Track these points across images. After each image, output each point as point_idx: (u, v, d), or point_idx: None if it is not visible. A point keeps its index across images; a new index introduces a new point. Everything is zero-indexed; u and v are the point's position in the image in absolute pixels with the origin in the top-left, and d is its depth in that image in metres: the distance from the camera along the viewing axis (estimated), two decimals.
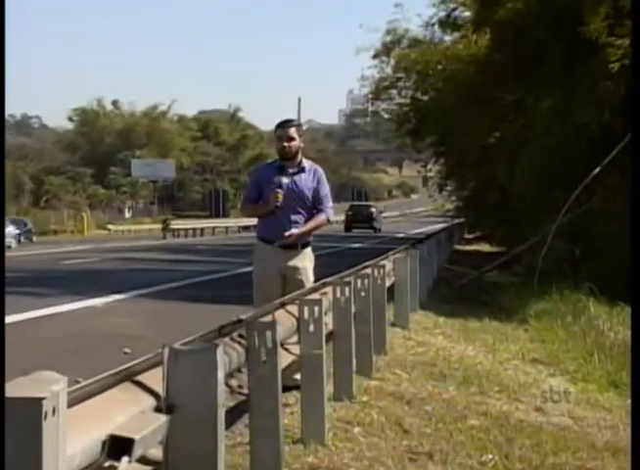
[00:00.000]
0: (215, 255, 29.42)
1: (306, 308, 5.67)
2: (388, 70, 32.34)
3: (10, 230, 39.67)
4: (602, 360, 10.92)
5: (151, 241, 42.74)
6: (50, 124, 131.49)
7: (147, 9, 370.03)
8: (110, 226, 59.36)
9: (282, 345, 5.10)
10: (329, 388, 6.36)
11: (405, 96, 33.21)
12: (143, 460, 3.02)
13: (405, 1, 33.05)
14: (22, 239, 43.37)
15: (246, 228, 56.05)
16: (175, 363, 3.21)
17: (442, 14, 27.59)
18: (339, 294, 6.95)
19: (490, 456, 5.77)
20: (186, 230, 55.18)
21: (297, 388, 6.05)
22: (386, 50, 31.49)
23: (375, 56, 31.90)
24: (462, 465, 5.58)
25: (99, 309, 13.08)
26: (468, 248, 38.13)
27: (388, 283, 10.27)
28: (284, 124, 7.46)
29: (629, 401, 5.97)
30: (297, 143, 7.39)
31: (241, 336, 4.49)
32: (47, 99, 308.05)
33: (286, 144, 7.35)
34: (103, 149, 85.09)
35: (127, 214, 77.70)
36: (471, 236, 43.41)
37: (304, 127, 14.14)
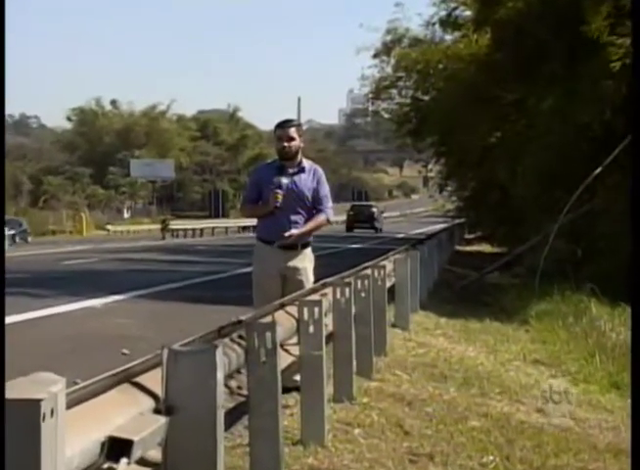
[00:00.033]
0: (215, 255, 29.41)
1: (306, 309, 5.66)
2: (389, 70, 32.30)
3: None
4: (603, 361, 10.90)
5: (150, 241, 42.72)
6: (48, 124, 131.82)
7: (146, 8, 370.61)
8: (109, 227, 59.37)
9: (282, 346, 5.09)
10: (329, 389, 6.34)
11: (406, 96, 33.16)
12: (142, 462, 3.01)
13: (406, 0, 33.00)
14: (18, 240, 43.21)
15: (245, 228, 56.04)
16: (174, 364, 3.19)
17: (443, 13, 27.58)
18: (339, 295, 6.94)
19: (491, 458, 5.76)
20: (185, 231, 55.20)
21: (297, 389, 6.03)
22: (386, 49, 31.43)
23: (375, 55, 31.87)
24: (463, 467, 5.57)
25: (97, 310, 13.06)
26: (469, 248, 38.14)
27: (388, 284, 10.25)
28: (284, 124, 7.44)
29: (629, 401, 5.94)
30: (296, 143, 7.36)
31: (240, 337, 4.48)
32: (45, 99, 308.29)
33: (286, 144, 7.33)
34: (102, 149, 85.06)
35: (126, 215, 77.65)
36: (472, 236, 43.37)
37: (304, 127, 14.11)
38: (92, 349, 9.35)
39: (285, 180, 7.30)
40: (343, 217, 64.25)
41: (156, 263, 24.80)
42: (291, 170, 7.36)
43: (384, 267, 9.68)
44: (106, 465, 2.68)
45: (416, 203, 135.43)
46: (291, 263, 7.32)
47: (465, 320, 13.47)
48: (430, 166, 44.96)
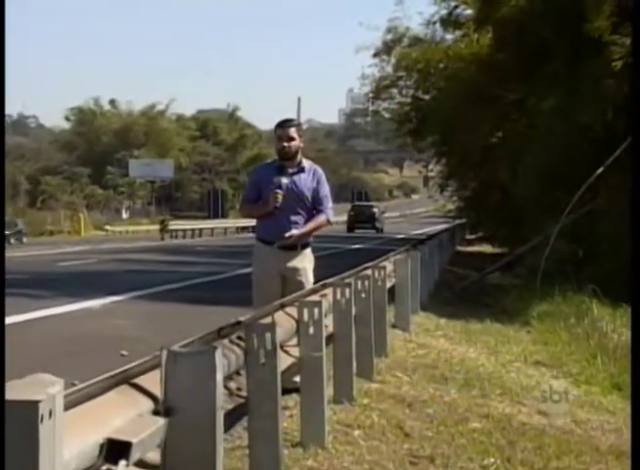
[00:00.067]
0: (214, 256, 29.40)
1: (306, 310, 5.64)
2: (389, 69, 32.26)
3: None
4: (605, 363, 10.89)
5: (148, 242, 42.70)
6: (47, 124, 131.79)
7: (145, 8, 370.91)
8: (107, 227, 59.33)
9: (281, 347, 5.06)
10: (329, 390, 6.32)
11: (406, 95, 33.13)
12: (141, 464, 2.99)
13: None
14: (13, 240, 43.10)
15: (244, 229, 56.04)
16: (173, 366, 3.18)
17: (444, 12, 27.55)
18: (339, 295, 6.92)
19: (492, 460, 5.75)
20: (184, 231, 55.14)
21: (297, 390, 6.01)
22: (386, 48, 31.39)
23: (375, 54, 31.83)
24: (464, 469, 5.55)
25: (96, 311, 13.03)
26: (470, 249, 38.17)
27: (388, 284, 10.22)
28: (284, 124, 7.41)
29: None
30: (296, 143, 7.33)
31: (240, 338, 4.46)
32: (44, 98, 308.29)
33: (286, 144, 7.30)
34: (100, 149, 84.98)
35: (125, 215, 77.53)
36: (472, 237, 43.36)
37: (304, 127, 14.09)
38: (90, 350, 9.32)
39: (285, 180, 7.27)
40: (344, 218, 64.29)
41: (154, 264, 24.77)
42: (290, 170, 7.33)
43: (384, 268, 9.65)
44: (104, 467, 2.67)
45: (416, 203, 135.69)
46: (290, 264, 7.29)
47: (466, 321, 13.45)
48: (430, 166, 45.02)
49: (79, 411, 2.62)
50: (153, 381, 3.19)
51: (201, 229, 57.62)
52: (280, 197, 7.20)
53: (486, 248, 37.27)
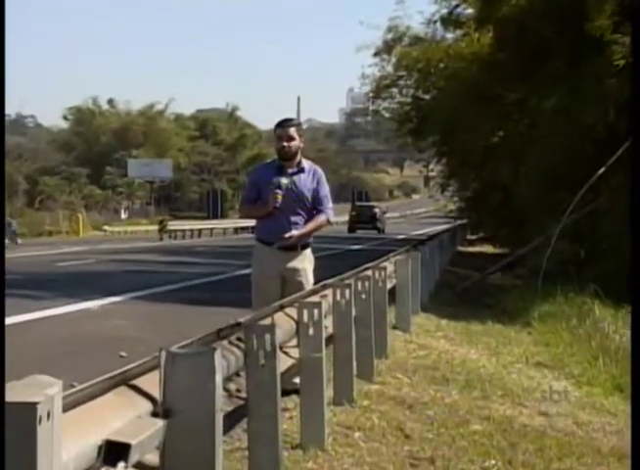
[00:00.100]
0: (213, 256, 29.38)
1: (306, 311, 5.63)
2: (389, 69, 32.27)
3: None
4: (607, 364, 10.86)
5: (147, 242, 42.68)
6: (45, 124, 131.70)
7: (145, 8, 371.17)
8: (106, 227, 59.28)
9: (281, 348, 5.05)
10: (329, 392, 6.31)
11: (406, 95, 33.13)
12: (139, 466, 2.99)
13: None
14: (7, 241, 42.98)
15: (243, 229, 56.01)
16: (172, 367, 3.18)
17: (444, 11, 27.61)
18: (339, 296, 6.90)
19: (493, 462, 5.74)
20: (183, 231, 55.09)
21: (297, 392, 6.00)
22: (387, 48, 31.39)
23: (376, 54, 31.85)
24: None
25: (94, 312, 13.01)
26: (471, 249, 38.19)
27: (389, 285, 10.20)
28: (284, 124, 7.39)
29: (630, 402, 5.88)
30: (296, 143, 7.31)
31: (239, 339, 4.45)
32: (42, 98, 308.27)
33: (285, 144, 7.27)
34: (98, 148, 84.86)
35: (123, 215, 77.41)
36: (474, 237, 43.37)
37: (304, 126, 14.06)
38: (89, 351, 9.30)
39: (284, 180, 7.25)
40: (344, 218, 64.33)
41: (153, 265, 24.75)
42: (290, 171, 7.31)
43: (384, 269, 9.63)
44: (103, 469, 2.67)
45: (417, 203, 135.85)
46: (290, 265, 7.26)
47: (467, 322, 13.43)
48: (431, 166, 45.00)
49: (78, 413, 2.62)
50: (152, 382, 3.19)
51: (200, 229, 57.60)
52: (280, 197, 7.18)
53: (488, 248, 37.27)
